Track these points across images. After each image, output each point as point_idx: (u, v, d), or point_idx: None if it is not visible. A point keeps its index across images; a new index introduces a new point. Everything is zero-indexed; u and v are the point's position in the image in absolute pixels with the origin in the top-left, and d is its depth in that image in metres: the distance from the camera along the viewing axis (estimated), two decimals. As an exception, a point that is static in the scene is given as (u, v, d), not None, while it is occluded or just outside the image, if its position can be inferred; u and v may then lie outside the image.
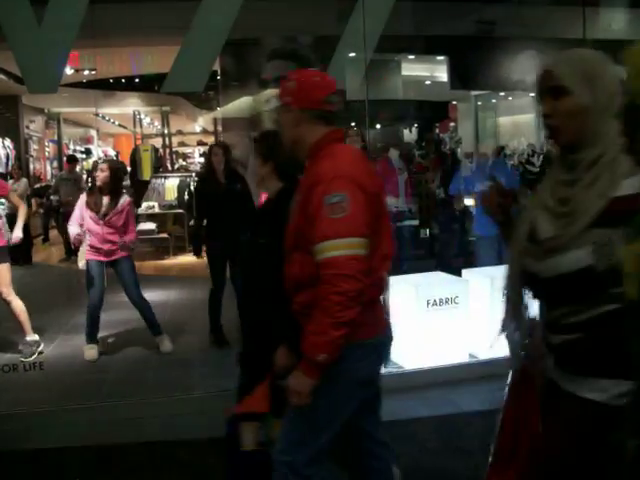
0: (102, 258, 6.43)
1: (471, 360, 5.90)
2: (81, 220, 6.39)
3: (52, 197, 12.37)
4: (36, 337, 6.52)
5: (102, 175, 6.36)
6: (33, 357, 6.30)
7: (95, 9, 5.49)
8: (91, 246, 6.40)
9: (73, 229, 6.35)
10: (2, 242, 6.34)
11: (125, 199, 6.52)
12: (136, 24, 8.13)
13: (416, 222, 8.73)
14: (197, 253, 8.13)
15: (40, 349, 6.47)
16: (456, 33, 10.19)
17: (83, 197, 6.50)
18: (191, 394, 5.52)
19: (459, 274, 6.30)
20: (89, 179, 12.85)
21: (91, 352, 6.45)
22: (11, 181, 11.81)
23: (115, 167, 6.64)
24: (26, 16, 5.20)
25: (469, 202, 7.80)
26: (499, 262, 6.85)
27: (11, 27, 5.21)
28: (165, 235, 12.17)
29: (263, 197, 7.87)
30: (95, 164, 6.44)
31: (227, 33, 5.52)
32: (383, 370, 5.21)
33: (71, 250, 11.84)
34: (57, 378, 5.93)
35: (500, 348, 5.65)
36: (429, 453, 4.50)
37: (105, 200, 6.37)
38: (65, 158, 14.44)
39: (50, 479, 4.36)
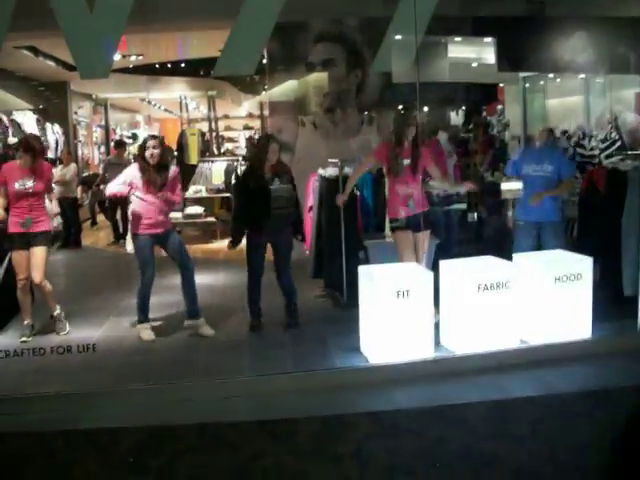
0: (155, 230, 6.51)
1: (522, 345, 5.83)
2: (125, 186, 6.51)
3: (101, 187, 12.50)
4: (60, 310, 6.73)
5: (156, 152, 6.45)
6: (68, 328, 6.55)
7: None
8: (143, 221, 6.49)
9: (115, 187, 6.54)
10: (45, 227, 6.51)
11: (173, 168, 6.74)
12: (184, 8, 8.15)
13: (464, 206, 8.63)
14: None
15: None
16: (504, 14, 10.03)
17: (133, 169, 6.57)
18: (239, 377, 5.55)
19: (509, 259, 6.22)
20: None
21: (147, 332, 6.56)
22: (60, 166, 12.00)
23: (163, 141, 6.77)
24: (77, 2, 5.24)
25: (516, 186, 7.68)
26: (537, 249, 6.78)
27: (63, 13, 5.26)
28: (212, 219, 12.24)
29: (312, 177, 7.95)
30: (144, 141, 6.43)
31: (277, 16, 5.50)
32: (434, 355, 5.23)
33: (119, 234, 12.01)
34: (109, 360, 6.01)
35: (551, 334, 5.64)
36: (480, 438, 4.47)
37: (157, 175, 6.49)
38: (113, 143, 14.57)
39: (103, 459, 4.42)
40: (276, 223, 6.63)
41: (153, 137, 6.68)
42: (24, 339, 6.47)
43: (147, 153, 6.44)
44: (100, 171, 15.29)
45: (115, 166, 12.12)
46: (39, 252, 6.45)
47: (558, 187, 6.88)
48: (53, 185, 6.80)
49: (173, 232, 6.74)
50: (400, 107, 9.19)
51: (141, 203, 6.48)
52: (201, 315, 6.72)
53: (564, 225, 6.99)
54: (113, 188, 6.56)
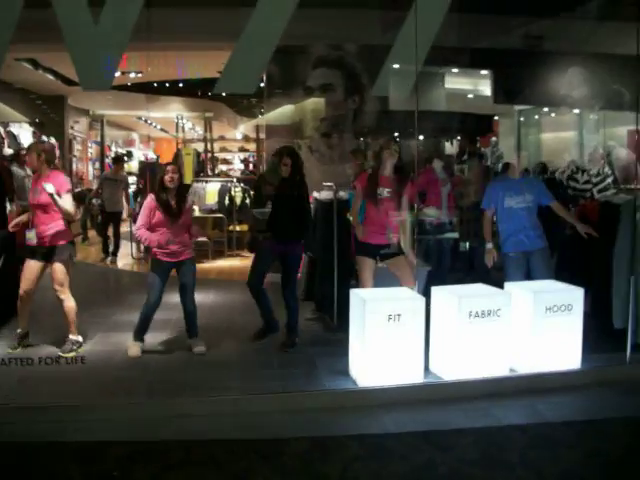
0: (171, 259, 6.53)
1: (511, 374, 5.84)
2: (148, 222, 6.51)
3: (94, 200, 12.50)
4: (80, 339, 6.58)
5: (175, 176, 6.51)
6: (71, 354, 6.35)
7: (150, 12, 5.59)
8: (159, 248, 6.49)
9: (145, 233, 6.52)
10: (64, 240, 6.42)
11: (189, 199, 6.77)
12: (187, 28, 8.23)
13: (456, 235, 8.66)
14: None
15: (80, 349, 6.51)
16: (502, 47, 10.15)
17: (149, 200, 6.59)
18: (227, 395, 5.53)
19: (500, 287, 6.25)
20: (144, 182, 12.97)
21: (135, 349, 6.52)
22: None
23: (180, 169, 6.79)
24: (83, 15, 5.30)
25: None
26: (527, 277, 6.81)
27: (68, 25, 5.32)
28: (204, 239, 12.23)
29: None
30: (154, 166, 6.52)
31: (278, 39, 5.58)
32: (423, 380, 5.25)
33: (108, 251, 11.97)
34: (97, 374, 5.98)
35: (540, 364, 5.66)
36: (468, 464, 4.46)
37: (174, 201, 6.52)
38: (111, 159, 14.56)
39: (87, 473, 4.38)
40: (288, 235, 6.66)
41: (173, 164, 6.87)
42: (10, 350, 6.39)
43: (167, 177, 6.48)
44: (94, 186, 15.33)
45: (111, 182, 12.15)
46: (56, 267, 6.36)
47: (560, 213, 6.96)
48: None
49: (190, 262, 6.68)
50: (383, 137, 9.28)
51: (156, 229, 6.51)
52: (197, 334, 6.73)
53: (549, 251, 7.03)
54: (144, 234, 6.54)
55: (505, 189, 6.88)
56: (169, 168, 6.59)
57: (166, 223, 6.49)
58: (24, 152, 11.89)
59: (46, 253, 6.37)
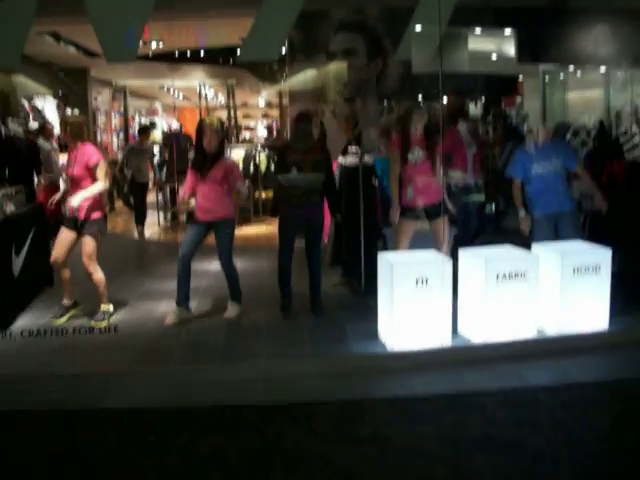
0: (203, 217, 6.57)
1: (540, 336, 5.86)
2: (191, 184, 6.62)
3: (125, 171, 12.53)
4: (110, 308, 6.71)
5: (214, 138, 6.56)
6: (103, 324, 6.47)
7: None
8: (198, 205, 6.57)
9: (181, 192, 6.64)
10: (96, 214, 6.50)
11: (227, 158, 6.77)
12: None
13: (482, 197, 8.61)
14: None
15: (112, 319, 6.64)
16: (525, 5, 10.00)
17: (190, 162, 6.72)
18: (258, 360, 5.62)
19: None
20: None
21: (171, 317, 6.61)
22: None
23: (219, 129, 6.76)
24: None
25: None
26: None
27: (91, -2, 5.34)
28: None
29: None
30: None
31: (301, 4, 5.55)
32: (451, 343, 5.30)
33: (142, 222, 12.05)
34: (130, 342, 6.09)
35: (568, 325, 5.67)
36: (497, 425, 4.50)
37: (208, 159, 6.56)
38: (137, 129, 14.59)
39: (123, 438, 4.48)
40: (309, 205, 6.66)
41: (213, 125, 6.75)
42: (56, 320, 6.54)
43: (205, 140, 6.53)
44: (119, 157, 15.42)
45: (137, 152, 12.20)
46: (86, 240, 6.45)
47: (584, 180, 6.91)
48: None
49: (226, 223, 6.67)
50: (407, 101, 9.19)
51: (196, 190, 6.60)
52: (240, 300, 6.83)
53: (579, 214, 6.99)
54: (181, 193, 6.72)
55: (533, 155, 6.84)
56: (209, 130, 6.59)
57: (199, 180, 6.56)
58: (50, 126, 12.08)
59: (80, 225, 6.47)
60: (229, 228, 6.70)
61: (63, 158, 6.59)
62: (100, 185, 6.42)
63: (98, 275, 6.56)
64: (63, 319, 6.59)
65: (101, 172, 6.43)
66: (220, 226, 6.63)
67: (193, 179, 6.60)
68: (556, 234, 6.84)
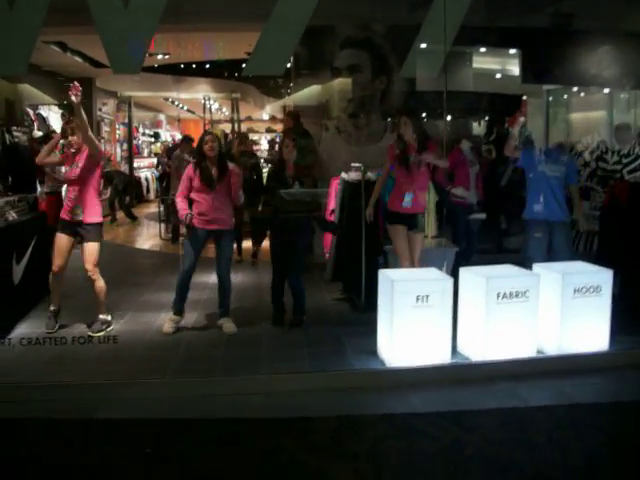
0: (204, 227, 6.54)
1: (539, 355, 5.84)
2: (187, 190, 6.58)
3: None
4: (109, 318, 6.70)
5: (215, 145, 6.52)
6: (101, 334, 6.46)
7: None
8: (199, 214, 6.54)
9: (181, 202, 6.56)
10: (98, 219, 6.52)
11: (231, 166, 6.69)
12: (215, 9, 8.23)
13: (484, 216, 8.63)
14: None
15: (110, 329, 6.63)
16: (530, 25, 10.04)
17: (189, 168, 6.67)
18: (257, 374, 5.60)
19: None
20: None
21: (168, 325, 6.63)
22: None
23: (219, 137, 6.77)
24: (113, -2, 5.34)
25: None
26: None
27: (98, 8, 5.36)
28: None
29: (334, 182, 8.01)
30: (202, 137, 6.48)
31: (307, 19, 5.58)
32: (451, 361, 5.28)
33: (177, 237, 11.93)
34: (128, 352, 6.08)
35: (568, 345, 5.65)
36: (494, 445, 4.48)
37: (214, 170, 6.54)
38: (181, 138, 14.23)
39: (119, 449, 4.46)
40: (294, 224, 6.78)
41: (209, 133, 6.76)
42: (49, 331, 6.51)
43: (206, 147, 6.50)
44: (121, 167, 15.41)
45: (180, 160, 12.17)
46: (88, 247, 6.44)
47: (574, 199, 7.05)
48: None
49: (227, 233, 6.70)
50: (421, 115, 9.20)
51: (197, 199, 6.56)
52: (229, 314, 6.82)
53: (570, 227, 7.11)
54: (180, 202, 6.59)
55: (544, 154, 6.99)
56: (208, 138, 6.56)
57: (204, 190, 6.52)
58: (55, 134, 12.08)
59: (77, 229, 6.45)
60: (232, 237, 6.73)
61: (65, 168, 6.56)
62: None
63: (101, 283, 6.56)
64: (56, 327, 6.57)
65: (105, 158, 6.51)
66: (224, 236, 6.63)
67: (190, 189, 6.58)
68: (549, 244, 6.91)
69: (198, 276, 6.86)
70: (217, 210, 6.54)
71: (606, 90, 12.93)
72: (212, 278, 7.67)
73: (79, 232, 6.45)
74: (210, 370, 5.72)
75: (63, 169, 6.60)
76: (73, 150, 6.45)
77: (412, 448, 4.43)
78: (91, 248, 6.44)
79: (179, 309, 6.72)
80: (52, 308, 6.66)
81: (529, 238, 6.94)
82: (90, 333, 6.43)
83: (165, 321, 6.70)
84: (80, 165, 6.39)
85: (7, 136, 11.26)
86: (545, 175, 6.89)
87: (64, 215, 6.51)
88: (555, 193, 6.85)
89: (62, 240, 6.50)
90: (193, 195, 6.58)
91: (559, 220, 6.86)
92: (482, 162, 8.90)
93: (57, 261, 6.52)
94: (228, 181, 6.58)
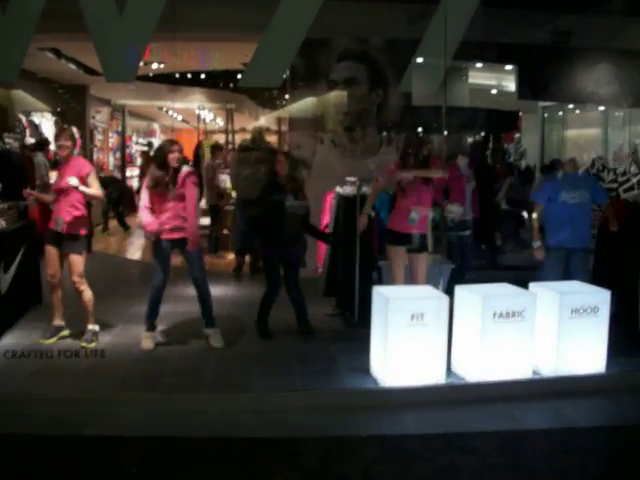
0: (167, 237, 6.37)
1: (535, 376, 5.75)
2: (150, 204, 6.41)
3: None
4: (96, 328, 6.59)
5: (180, 156, 6.35)
6: (93, 344, 6.37)
7: (175, 3, 5.55)
8: (168, 226, 6.35)
9: (145, 216, 6.39)
10: (82, 231, 6.44)
11: (184, 169, 6.41)
12: (212, 20, 8.18)
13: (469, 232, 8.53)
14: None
15: (99, 340, 6.53)
16: (527, 42, 10.02)
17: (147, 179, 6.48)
18: (246, 392, 5.49)
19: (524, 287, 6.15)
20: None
21: (147, 342, 6.48)
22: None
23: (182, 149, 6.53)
24: (108, 6, 5.26)
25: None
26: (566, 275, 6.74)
27: (92, 16, 5.29)
28: (225, 231, 12.16)
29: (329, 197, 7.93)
30: (164, 146, 6.30)
31: (305, 31, 5.52)
32: (445, 381, 5.18)
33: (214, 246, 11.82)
34: (116, 366, 5.96)
35: (565, 366, 5.56)
36: (490, 468, 4.39)
37: (169, 178, 6.34)
38: (211, 146, 13.92)
39: (105, 466, 4.35)
40: (290, 237, 6.74)
41: (174, 142, 6.57)
42: (41, 341, 6.42)
43: (171, 156, 6.31)
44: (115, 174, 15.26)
45: (214, 169, 12.07)
46: (74, 260, 6.39)
47: (608, 213, 6.97)
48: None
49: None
50: (417, 130, 9.15)
51: (158, 209, 6.40)
52: (215, 325, 6.67)
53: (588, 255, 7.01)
54: (144, 216, 6.41)
55: (563, 183, 6.88)
56: (175, 147, 6.36)
57: (159, 200, 6.36)
58: (48, 142, 12.00)
59: (63, 240, 6.39)
60: (199, 245, 6.62)
61: (54, 175, 6.50)
62: (99, 191, 6.49)
63: (88, 294, 6.50)
64: (52, 340, 6.46)
65: (94, 182, 6.42)
66: (187, 245, 6.43)
67: (153, 199, 6.41)
68: (566, 271, 6.80)
69: (187, 289, 6.75)
70: (178, 218, 6.36)
71: (601, 108, 12.95)
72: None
73: (63, 242, 6.40)
74: (198, 386, 5.61)
75: (52, 179, 6.53)
76: (64, 154, 6.38)
77: (405, 471, 4.33)
78: (74, 259, 6.40)
79: (151, 325, 6.60)
80: (55, 323, 6.58)
81: (547, 265, 6.85)
82: (82, 344, 6.33)
83: (143, 339, 6.55)
84: (68, 175, 6.30)
85: (-1, 142, 11.15)
86: (566, 203, 6.79)
87: (51, 224, 6.47)
88: (578, 219, 6.75)
89: (50, 249, 6.46)
90: (154, 205, 6.40)
91: (579, 246, 6.79)
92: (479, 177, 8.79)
93: (48, 270, 6.49)
94: (180, 190, 6.37)
